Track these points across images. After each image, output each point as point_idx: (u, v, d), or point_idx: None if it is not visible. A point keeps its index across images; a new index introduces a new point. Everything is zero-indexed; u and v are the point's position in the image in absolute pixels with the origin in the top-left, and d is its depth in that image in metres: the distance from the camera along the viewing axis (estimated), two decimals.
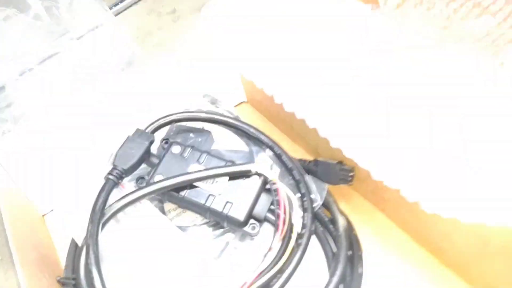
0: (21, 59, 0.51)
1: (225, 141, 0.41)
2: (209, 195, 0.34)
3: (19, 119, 0.48)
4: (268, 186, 0.34)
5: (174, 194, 0.34)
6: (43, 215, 0.44)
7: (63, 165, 0.40)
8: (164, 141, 0.38)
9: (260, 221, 0.34)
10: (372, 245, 0.36)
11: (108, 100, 0.45)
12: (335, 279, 0.32)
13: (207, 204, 0.33)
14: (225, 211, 0.33)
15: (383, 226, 0.38)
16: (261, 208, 0.34)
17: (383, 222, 0.38)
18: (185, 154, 0.36)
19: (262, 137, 0.38)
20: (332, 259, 0.34)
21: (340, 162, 0.36)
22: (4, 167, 0.36)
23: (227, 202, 0.33)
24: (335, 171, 0.36)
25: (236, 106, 0.48)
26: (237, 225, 0.33)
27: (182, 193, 0.34)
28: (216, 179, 0.34)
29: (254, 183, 0.34)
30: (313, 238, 0.36)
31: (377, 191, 0.37)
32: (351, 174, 0.36)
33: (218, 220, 0.34)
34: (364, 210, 0.39)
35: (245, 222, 0.33)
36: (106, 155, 0.37)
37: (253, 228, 0.33)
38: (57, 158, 0.41)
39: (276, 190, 0.33)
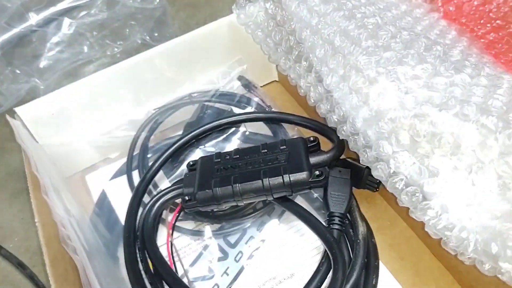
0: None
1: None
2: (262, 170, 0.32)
3: (45, 73, 0.47)
4: None
5: (227, 191, 0.32)
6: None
7: None
8: None
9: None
10: (389, 253, 0.35)
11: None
12: (348, 287, 0.32)
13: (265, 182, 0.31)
14: (285, 178, 0.31)
15: (403, 235, 0.37)
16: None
17: (403, 231, 0.37)
18: None
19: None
20: (348, 265, 0.34)
21: (370, 168, 0.35)
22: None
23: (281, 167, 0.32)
24: (363, 175, 0.35)
25: (266, 85, 0.46)
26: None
27: (235, 186, 0.32)
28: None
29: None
30: None
31: None
32: (379, 181, 0.34)
33: (284, 191, 0.32)
34: (386, 216, 0.38)
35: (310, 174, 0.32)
36: None
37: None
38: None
39: None
